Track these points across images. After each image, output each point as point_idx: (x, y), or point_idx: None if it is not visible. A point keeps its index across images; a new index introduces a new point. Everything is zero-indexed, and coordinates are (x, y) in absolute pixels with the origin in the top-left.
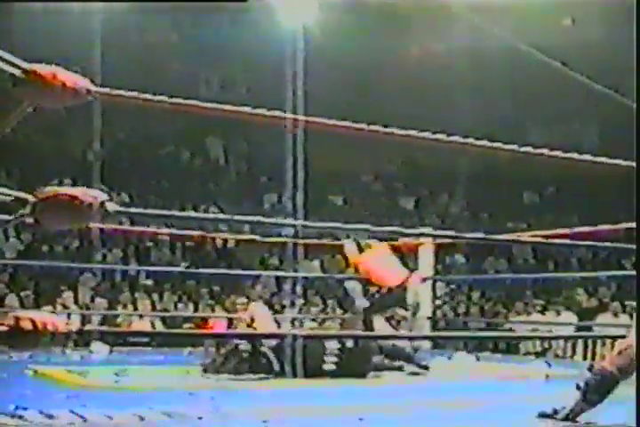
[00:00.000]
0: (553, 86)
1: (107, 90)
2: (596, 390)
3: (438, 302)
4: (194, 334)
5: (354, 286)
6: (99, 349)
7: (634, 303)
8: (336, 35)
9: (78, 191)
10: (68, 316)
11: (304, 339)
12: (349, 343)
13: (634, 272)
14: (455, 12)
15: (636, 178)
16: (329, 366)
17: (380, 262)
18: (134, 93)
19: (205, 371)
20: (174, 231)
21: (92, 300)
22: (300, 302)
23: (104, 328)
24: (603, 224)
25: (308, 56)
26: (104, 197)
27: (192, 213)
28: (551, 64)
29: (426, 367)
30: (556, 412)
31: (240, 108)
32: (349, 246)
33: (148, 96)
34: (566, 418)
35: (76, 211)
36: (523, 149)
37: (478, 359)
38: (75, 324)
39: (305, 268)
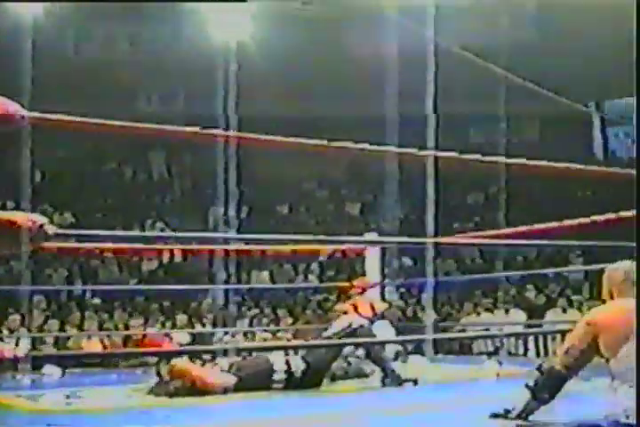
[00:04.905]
0: (491, 87)
1: (40, 115)
2: (545, 389)
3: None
4: (136, 352)
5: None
6: (51, 371)
7: (581, 298)
8: (270, 49)
9: (17, 216)
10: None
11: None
12: (300, 367)
13: (584, 267)
14: (388, 18)
15: (636, 180)
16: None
17: None
18: (68, 117)
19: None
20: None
21: (44, 322)
22: (251, 313)
23: (50, 352)
24: (549, 221)
25: (241, 70)
26: (43, 220)
27: (135, 233)
28: (486, 65)
29: (414, 381)
30: (507, 412)
31: (175, 128)
32: None
33: (82, 119)
34: (518, 417)
35: (15, 235)
36: (465, 156)
37: (432, 361)
38: (23, 348)
39: (255, 279)
